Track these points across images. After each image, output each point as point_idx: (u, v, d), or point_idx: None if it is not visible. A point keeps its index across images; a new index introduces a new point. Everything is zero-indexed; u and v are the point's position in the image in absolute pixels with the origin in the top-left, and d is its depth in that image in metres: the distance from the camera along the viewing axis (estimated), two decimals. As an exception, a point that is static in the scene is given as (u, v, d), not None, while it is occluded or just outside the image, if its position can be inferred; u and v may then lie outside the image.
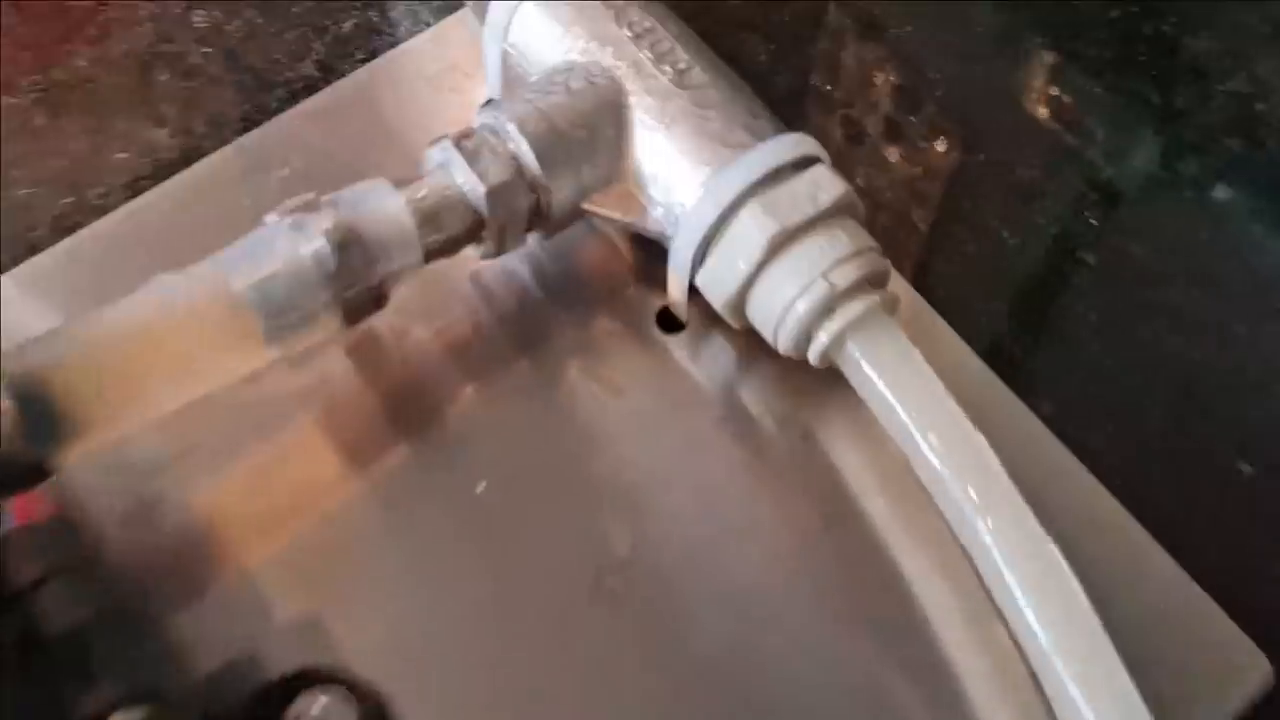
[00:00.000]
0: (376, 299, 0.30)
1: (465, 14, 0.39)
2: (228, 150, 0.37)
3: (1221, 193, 0.37)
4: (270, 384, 0.33)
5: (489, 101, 0.32)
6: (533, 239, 0.34)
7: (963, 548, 0.29)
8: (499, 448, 0.32)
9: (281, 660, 0.29)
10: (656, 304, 0.34)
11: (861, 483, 0.32)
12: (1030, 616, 0.27)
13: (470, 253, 0.32)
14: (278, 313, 0.28)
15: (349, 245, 0.29)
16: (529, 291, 0.35)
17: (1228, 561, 0.31)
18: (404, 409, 0.33)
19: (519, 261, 0.35)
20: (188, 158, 0.37)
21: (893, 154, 0.38)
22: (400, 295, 0.31)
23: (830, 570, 0.31)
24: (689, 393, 0.33)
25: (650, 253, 0.33)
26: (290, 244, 0.28)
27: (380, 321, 0.33)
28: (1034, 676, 0.28)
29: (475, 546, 0.31)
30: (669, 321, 0.34)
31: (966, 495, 0.28)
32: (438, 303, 0.34)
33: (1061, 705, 0.26)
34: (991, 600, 0.29)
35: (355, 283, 0.29)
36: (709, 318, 0.33)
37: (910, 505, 0.31)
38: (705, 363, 0.34)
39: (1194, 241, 0.37)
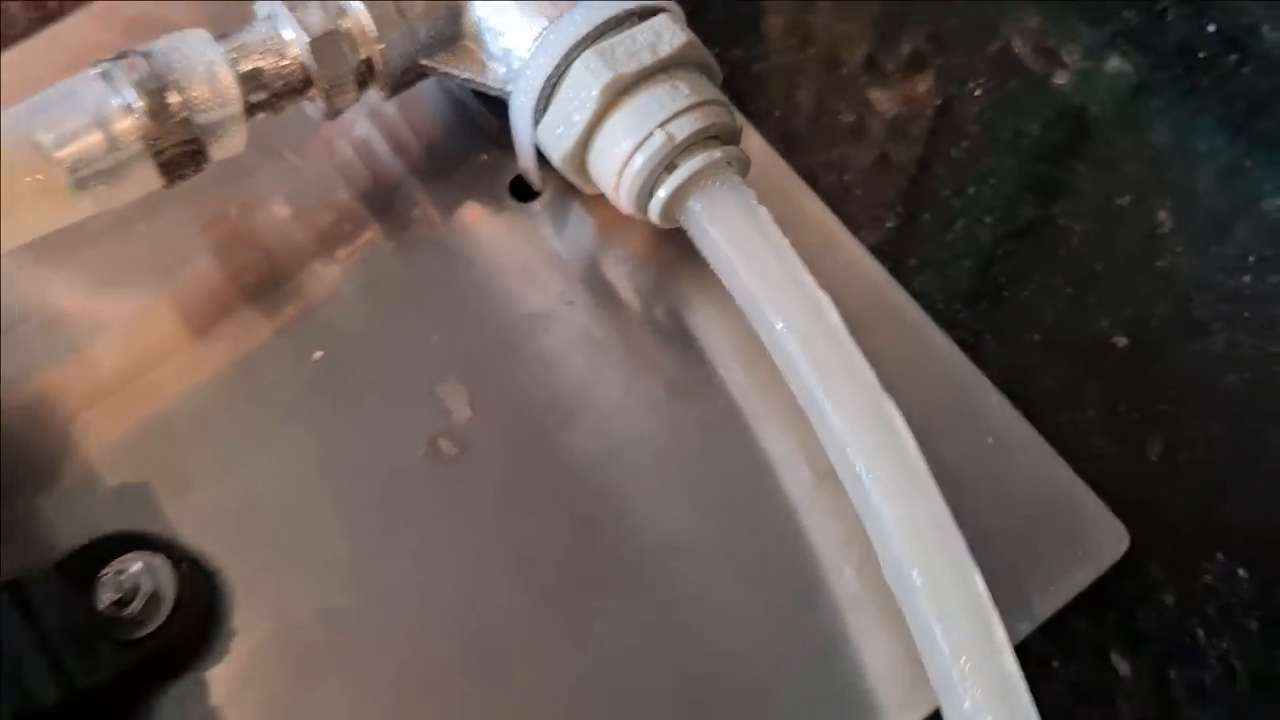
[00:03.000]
0: (194, 155, 0.28)
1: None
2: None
3: (1114, 64, 0.35)
4: (108, 248, 0.32)
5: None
6: (386, 103, 0.32)
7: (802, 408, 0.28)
8: (340, 316, 0.31)
9: (108, 529, 0.28)
10: (511, 172, 0.33)
11: (713, 353, 0.31)
12: (861, 470, 0.26)
13: (311, 112, 0.31)
14: (79, 163, 0.27)
15: (161, 94, 0.27)
16: (379, 157, 0.33)
17: (1091, 436, 0.30)
18: (243, 276, 0.32)
19: (369, 125, 0.34)
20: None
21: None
22: (242, 160, 0.30)
23: (676, 439, 0.30)
24: (541, 262, 0.32)
25: (505, 118, 0.32)
26: (99, 95, 0.27)
27: (220, 188, 0.32)
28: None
29: (311, 415, 0.30)
30: (523, 190, 0.33)
31: (800, 349, 0.27)
32: (283, 169, 0.33)
33: (891, 559, 0.25)
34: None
35: (166, 137, 0.28)
36: (565, 186, 0.32)
37: (761, 374, 0.30)
38: (559, 231, 0.32)
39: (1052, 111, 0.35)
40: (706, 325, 0.31)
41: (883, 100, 0.35)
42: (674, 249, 0.31)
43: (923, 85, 0.35)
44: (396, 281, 0.32)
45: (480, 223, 0.32)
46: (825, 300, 0.27)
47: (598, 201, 0.32)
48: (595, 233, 0.32)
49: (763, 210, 0.28)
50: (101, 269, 0.32)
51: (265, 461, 0.29)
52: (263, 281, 0.32)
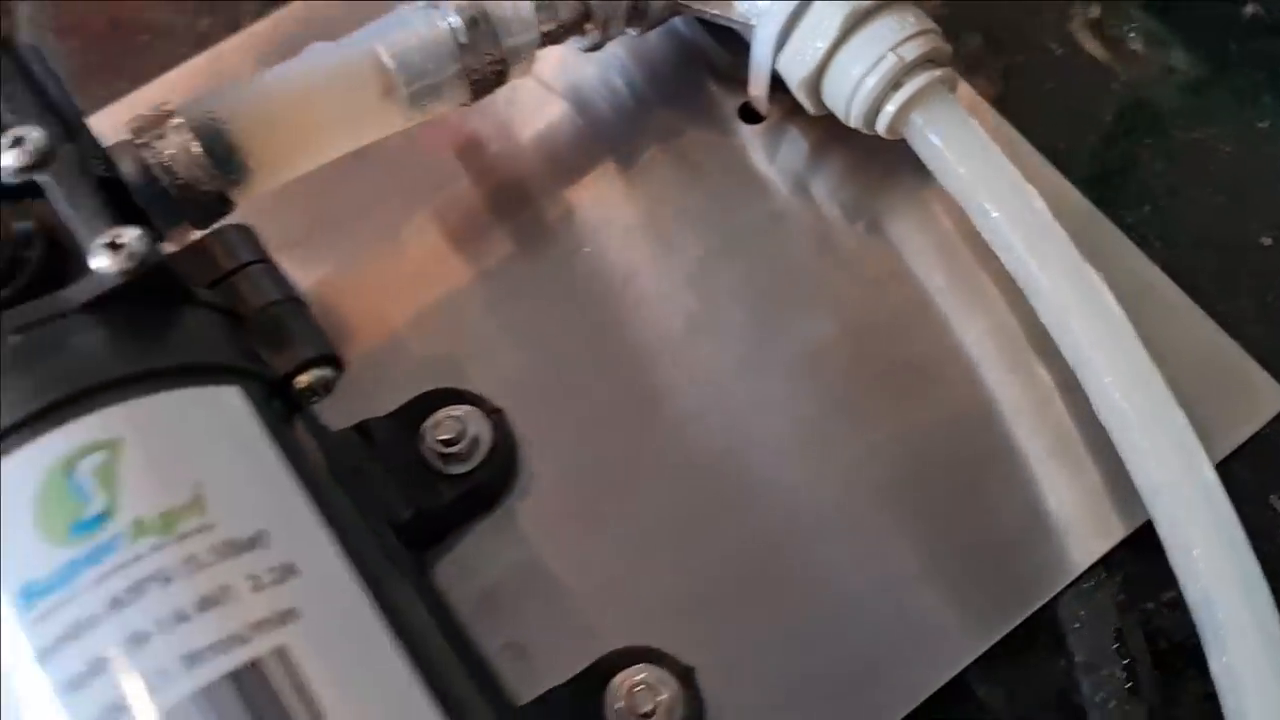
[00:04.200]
0: (498, 74, 0.34)
1: None
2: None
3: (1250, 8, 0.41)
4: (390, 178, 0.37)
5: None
6: (620, 45, 0.38)
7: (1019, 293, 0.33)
8: (598, 219, 0.37)
9: (423, 385, 0.33)
10: (738, 101, 0.38)
11: (917, 259, 0.36)
12: (1079, 338, 0.31)
13: (578, 45, 0.36)
14: (417, 78, 0.32)
15: (478, 22, 0.33)
16: (619, 90, 0.39)
17: (1248, 316, 0.35)
18: (513, 190, 0.37)
19: (609, 67, 0.39)
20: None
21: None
22: (505, 100, 0.36)
23: (892, 319, 0.35)
24: (765, 177, 0.37)
25: (732, 53, 0.38)
26: (428, 20, 0.33)
27: (485, 122, 0.38)
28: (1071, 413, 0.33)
29: (583, 297, 0.36)
30: (749, 115, 0.38)
31: (1019, 238, 0.32)
32: (539, 100, 0.39)
33: (1104, 397, 0.30)
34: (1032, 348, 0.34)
35: (482, 57, 0.33)
36: (786, 112, 0.37)
37: (962, 273, 0.35)
38: (782, 152, 0.38)
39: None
40: (907, 233, 0.37)
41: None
42: (876, 168, 0.37)
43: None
44: (643, 190, 0.37)
45: (712, 142, 0.38)
46: (1031, 190, 0.32)
47: (813, 124, 0.37)
48: (809, 151, 0.38)
49: (973, 120, 0.34)
50: (397, 181, 0.37)
51: (549, 336, 0.35)
52: (532, 194, 0.37)
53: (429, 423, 0.32)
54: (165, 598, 0.21)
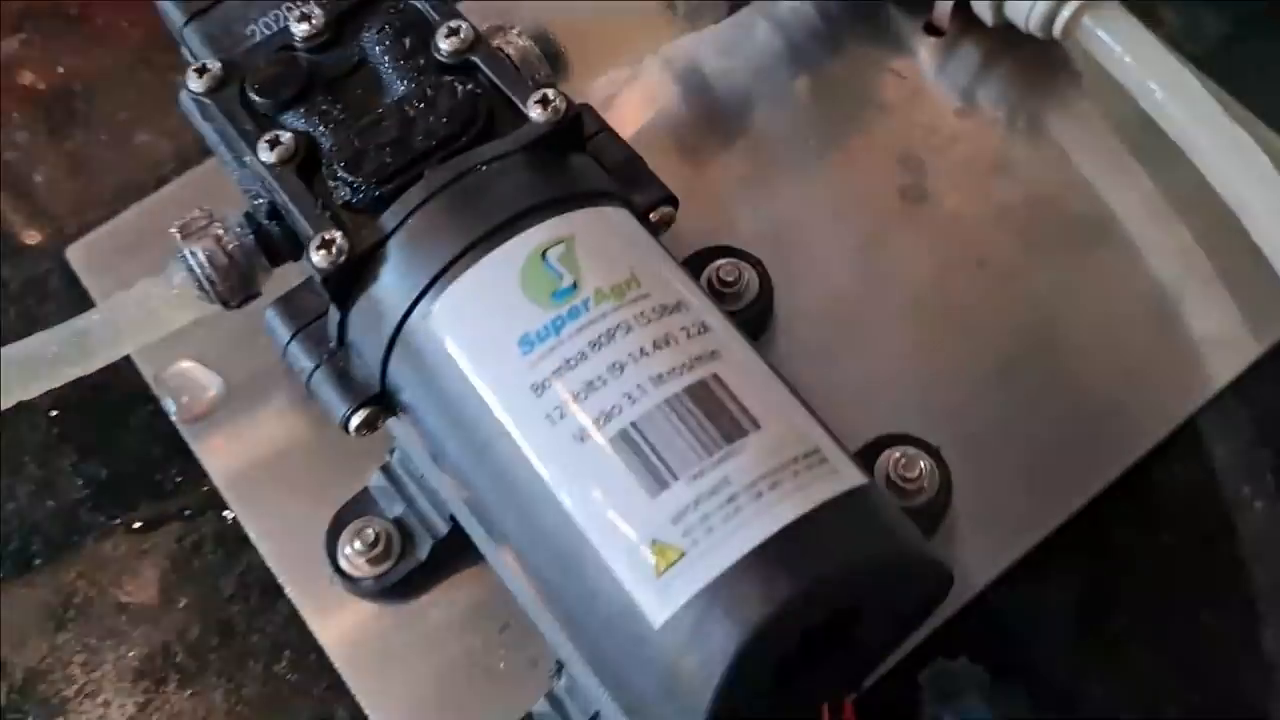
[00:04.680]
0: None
1: None
2: None
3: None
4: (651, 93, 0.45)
5: None
6: None
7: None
8: (817, 114, 0.45)
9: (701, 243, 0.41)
10: (919, 22, 0.47)
11: (1075, 144, 0.44)
12: (1237, 182, 0.39)
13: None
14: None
15: None
16: (824, 18, 0.47)
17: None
18: (739, 100, 0.46)
19: (810, 3, 0.47)
20: None
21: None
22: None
23: (1065, 196, 0.43)
24: (949, 78, 0.46)
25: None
26: None
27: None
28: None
29: (808, 174, 0.44)
30: (931, 31, 0.46)
31: (1180, 109, 0.40)
32: (758, 40, 0.47)
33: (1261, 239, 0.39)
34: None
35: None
36: (960, 28, 0.46)
37: (1114, 152, 0.44)
38: (960, 59, 0.46)
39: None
40: (1067, 124, 0.45)
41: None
42: (1035, 73, 0.45)
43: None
44: (849, 93, 0.46)
45: (908, 51, 0.46)
46: (1187, 72, 0.41)
47: (984, 35, 0.45)
48: (981, 60, 0.46)
49: (1133, 18, 0.42)
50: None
51: (794, 201, 0.43)
52: (763, 99, 0.46)
53: (708, 271, 0.40)
54: (630, 340, 0.29)
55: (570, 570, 0.29)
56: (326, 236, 0.31)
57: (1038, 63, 0.45)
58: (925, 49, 0.46)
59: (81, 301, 0.43)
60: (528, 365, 0.29)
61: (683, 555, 0.27)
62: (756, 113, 0.45)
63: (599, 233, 0.31)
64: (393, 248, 0.31)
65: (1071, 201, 0.43)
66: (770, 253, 0.41)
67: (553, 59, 0.38)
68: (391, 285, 0.31)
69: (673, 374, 0.29)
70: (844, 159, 0.44)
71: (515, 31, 0.38)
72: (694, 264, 0.40)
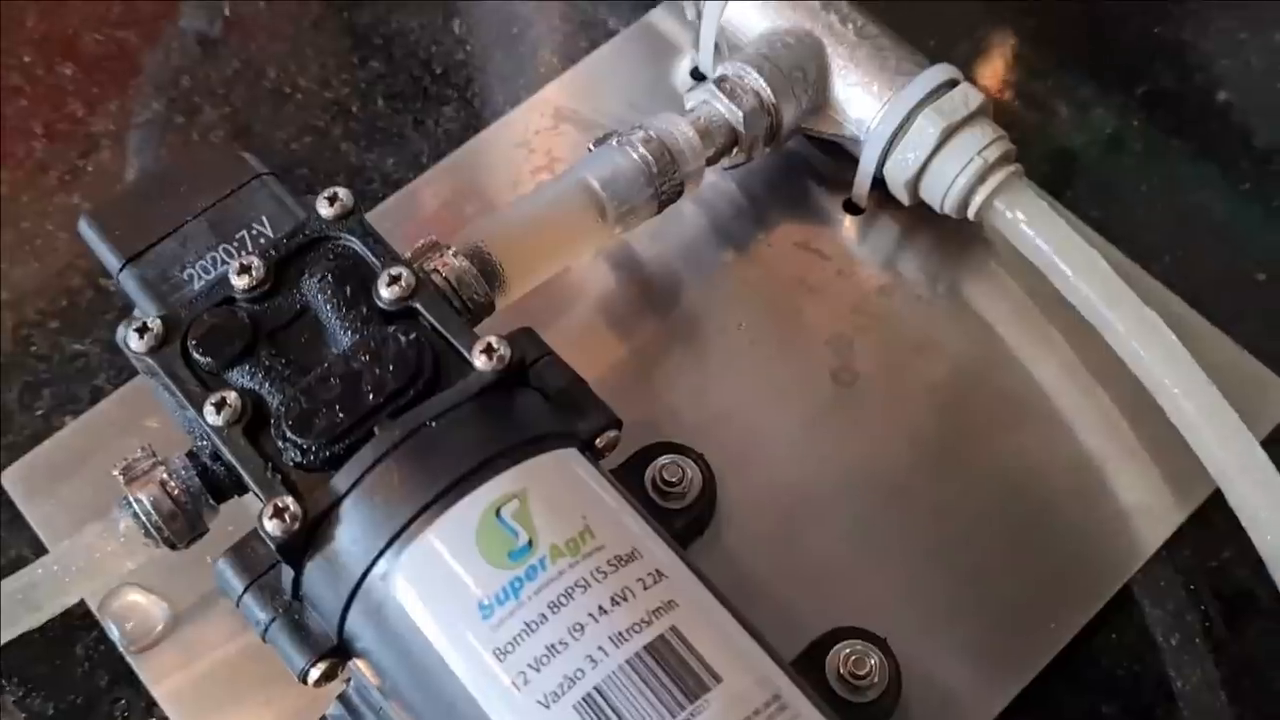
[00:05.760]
0: (678, 192, 0.43)
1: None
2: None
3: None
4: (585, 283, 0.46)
5: (694, 71, 0.47)
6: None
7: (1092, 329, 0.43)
8: (746, 298, 0.46)
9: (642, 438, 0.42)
10: (839, 198, 0.48)
11: (993, 315, 0.46)
12: (1149, 363, 0.41)
13: (724, 164, 0.46)
14: (623, 201, 0.42)
15: (661, 153, 0.42)
16: (748, 199, 0.49)
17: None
18: (671, 285, 0.47)
19: (733, 185, 0.49)
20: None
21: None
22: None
23: (987, 360, 0.45)
24: (870, 254, 0.47)
25: (840, 160, 0.47)
26: (624, 155, 0.42)
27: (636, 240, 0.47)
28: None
29: (741, 361, 0.45)
30: (851, 209, 0.48)
31: (1091, 291, 0.42)
32: (679, 211, 0.48)
33: (1169, 399, 0.41)
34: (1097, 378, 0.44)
35: (668, 181, 0.42)
36: (878, 204, 0.47)
37: (1032, 324, 0.45)
38: (878, 235, 0.48)
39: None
40: (985, 296, 0.47)
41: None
42: (952, 248, 0.47)
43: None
44: (776, 274, 0.47)
45: (828, 231, 0.48)
46: (1095, 252, 0.43)
47: (903, 213, 0.47)
48: (899, 235, 0.48)
49: (1045, 200, 0.44)
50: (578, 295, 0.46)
51: (731, 389, 0.44)
52: (685, 285, 0.46)
53: (650, 470, 0.41)
54: (589, 598, 0.30)
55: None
56: (279, 504, 0.31)
57: (956, 237, 0.47)
58: (846, 225, 0.48)
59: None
60: (489, 629, 0.30)
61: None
62: (688, 294, 0.46)
63: (550, 483, 0.32)
64: (347, 508, 0.31)
65: (995, 376, 0.45)
66: (710, 443, 0.42)
67: (489, 276, 0.39)
68: (347, 546, 0.31)
69: (632, 630, 0.30)
70: (775, 343, 0.45)
71: (451, 251, 0.39)
72: (637, 462, 0.41)
